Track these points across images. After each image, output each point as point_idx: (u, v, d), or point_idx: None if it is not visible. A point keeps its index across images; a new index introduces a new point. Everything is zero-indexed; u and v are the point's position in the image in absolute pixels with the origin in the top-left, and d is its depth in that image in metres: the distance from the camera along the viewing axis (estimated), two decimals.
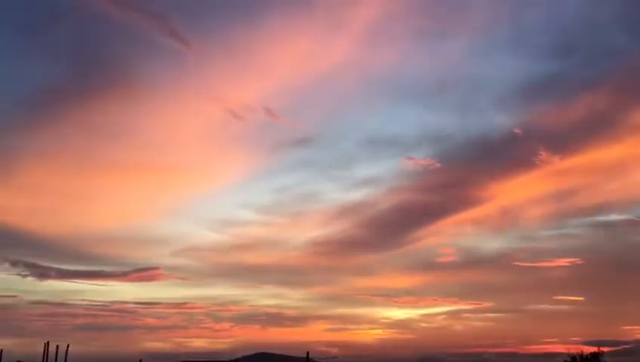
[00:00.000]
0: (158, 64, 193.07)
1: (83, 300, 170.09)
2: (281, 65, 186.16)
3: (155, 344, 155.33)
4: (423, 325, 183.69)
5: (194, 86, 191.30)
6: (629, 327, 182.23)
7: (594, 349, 50.60)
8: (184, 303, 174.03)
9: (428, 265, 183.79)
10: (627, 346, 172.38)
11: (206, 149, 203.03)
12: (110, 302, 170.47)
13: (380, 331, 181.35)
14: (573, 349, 51.73)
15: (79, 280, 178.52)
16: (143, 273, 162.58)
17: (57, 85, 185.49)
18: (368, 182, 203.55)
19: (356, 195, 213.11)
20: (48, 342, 56.62)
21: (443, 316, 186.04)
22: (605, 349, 51.53)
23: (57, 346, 56.94)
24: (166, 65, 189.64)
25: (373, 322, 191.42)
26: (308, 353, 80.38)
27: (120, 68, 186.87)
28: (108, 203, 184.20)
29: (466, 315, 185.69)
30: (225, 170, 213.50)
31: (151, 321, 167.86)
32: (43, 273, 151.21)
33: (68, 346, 57.32)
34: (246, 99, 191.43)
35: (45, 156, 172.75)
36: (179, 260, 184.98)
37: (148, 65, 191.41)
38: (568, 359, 50.72)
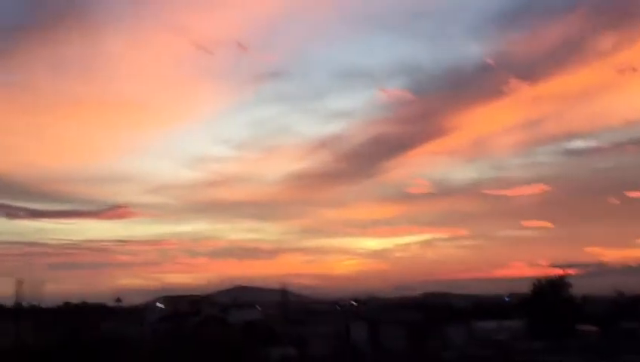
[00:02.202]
0: None
1: (55, 239, 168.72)
2: None
3: (130, 280, 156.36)
4: (398, 254, 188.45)
5: (156, 16, 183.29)
6: (593, 248, 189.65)
7: (560, 272, 52.45)
8: (159, 240, 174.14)
9: (401, 195, 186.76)
10: (592, 269, 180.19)
11: (175, 84, 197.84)
12: (83, 240, 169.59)
13: (355, 261, 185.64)
14: (541, 272, 53.42)
15: (50, 220, 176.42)
16: (115, 211, 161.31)
17: (11, 20, 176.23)
18: (342, 114, 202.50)
19: (330, 128, 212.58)
20: (20, 280, 56.01)
21: (417, 245, 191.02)
22: (571, 271, 53.37)
23: (30, 284, 56.38)
24: None
25: (348, 253, 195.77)
26: (284, 285, 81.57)
27: None
28: (76, 141, 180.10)
29: (438, 243, 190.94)
30: (196, 105, 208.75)
31: (125, 258, 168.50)
32: (12, 213, 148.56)
33: (41, 284, 56.80)
34: (214, 31, 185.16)
35: (7, 93, 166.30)
36: (152, 198, 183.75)
37: None
38: (536, 281, 52.47)
